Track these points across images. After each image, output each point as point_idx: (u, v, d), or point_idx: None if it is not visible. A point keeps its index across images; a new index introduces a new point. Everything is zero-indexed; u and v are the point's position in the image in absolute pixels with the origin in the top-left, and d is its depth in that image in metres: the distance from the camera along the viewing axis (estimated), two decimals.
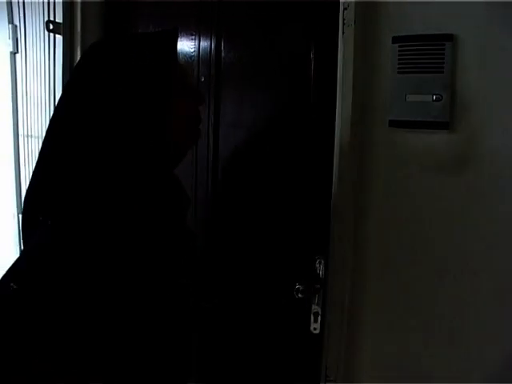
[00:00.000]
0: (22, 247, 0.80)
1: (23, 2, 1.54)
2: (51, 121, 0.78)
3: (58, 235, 0.69)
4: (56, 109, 0.80)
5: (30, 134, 1.59)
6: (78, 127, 0.74)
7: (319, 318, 1.16)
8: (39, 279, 0.65)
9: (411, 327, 1.10)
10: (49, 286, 0.64)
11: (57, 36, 1.46)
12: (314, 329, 1.17)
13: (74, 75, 0.81)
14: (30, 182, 0.77)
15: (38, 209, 0.74)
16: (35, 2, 1.50)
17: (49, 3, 1.46)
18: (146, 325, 0.73)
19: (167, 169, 0.85)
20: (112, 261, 0.68)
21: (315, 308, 1.16)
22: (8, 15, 1.59)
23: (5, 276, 0.67)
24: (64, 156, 0.74)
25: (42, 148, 0.78)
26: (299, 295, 1.20)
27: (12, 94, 1.64)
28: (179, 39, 0.95)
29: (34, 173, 0.77)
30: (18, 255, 1.68)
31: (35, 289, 0.64)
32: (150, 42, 0.80)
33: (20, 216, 1.67)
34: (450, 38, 1.00)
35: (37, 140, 1.56)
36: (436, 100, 1.02)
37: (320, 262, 1.17)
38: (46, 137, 0.78)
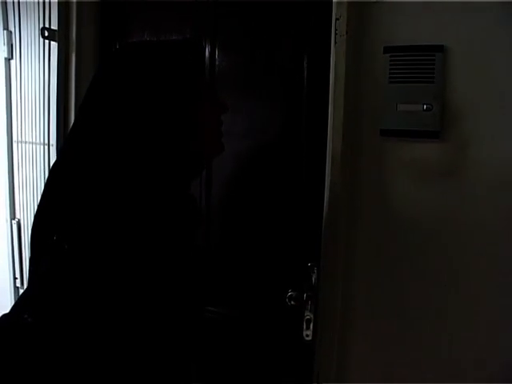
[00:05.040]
0: (29, 263, 0.73)
1: (18, 9, 1.55)
2: (72, 131, 0.74)
3: (77, 264, 0.64)
4: (77, 120, 0.76)
5: (23, 140, 1.59)
6: (102, 139, 0.70)
7: (311, 324, 1.16)
8: (59, 314, 0.60)
9: (404, 333, 1.11)
10: (68, 321, 0.60)
11: (52, 43, 1.46)
12: (307, 335, 1.17)
13: (94, 84, 0.76)
14: (43, 195, 0.72)
15: (52, 226, 0.68)
16: (30, 9, 1.51)
17: (44, 10, 1.47)
18: (153, 343, 0.71)
19: (187, 182, 0.82)
20: (129, 287, 0.65)
21: (308, 314, 1.17)
22: (3, 21, 1.59)
23: (17, 305, 0.62)
24: (88, 171, 0.69)
25: (59, 159, 0.74)
26: (292, 302, 1.21)
27: (6, 100, 1.63)
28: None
29: (48, 185, 0.72)
30: (10, 261, 1.64)
31: (54, 325, 0.60)
32: (175, 50, 0.76)
33: (13, 222, 1.66)
34: (440, 48, 1.02)
35: (31, 146, 1.56)
36: (426, 110, 1.03)
37: (312, 269, 1.18)
38: (65, 148, 0.74)
